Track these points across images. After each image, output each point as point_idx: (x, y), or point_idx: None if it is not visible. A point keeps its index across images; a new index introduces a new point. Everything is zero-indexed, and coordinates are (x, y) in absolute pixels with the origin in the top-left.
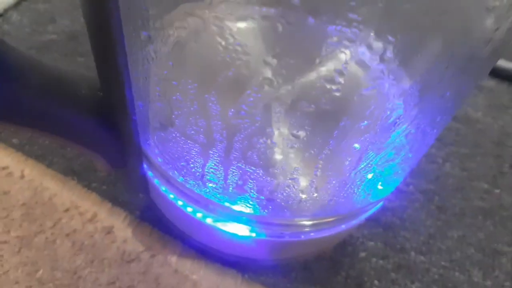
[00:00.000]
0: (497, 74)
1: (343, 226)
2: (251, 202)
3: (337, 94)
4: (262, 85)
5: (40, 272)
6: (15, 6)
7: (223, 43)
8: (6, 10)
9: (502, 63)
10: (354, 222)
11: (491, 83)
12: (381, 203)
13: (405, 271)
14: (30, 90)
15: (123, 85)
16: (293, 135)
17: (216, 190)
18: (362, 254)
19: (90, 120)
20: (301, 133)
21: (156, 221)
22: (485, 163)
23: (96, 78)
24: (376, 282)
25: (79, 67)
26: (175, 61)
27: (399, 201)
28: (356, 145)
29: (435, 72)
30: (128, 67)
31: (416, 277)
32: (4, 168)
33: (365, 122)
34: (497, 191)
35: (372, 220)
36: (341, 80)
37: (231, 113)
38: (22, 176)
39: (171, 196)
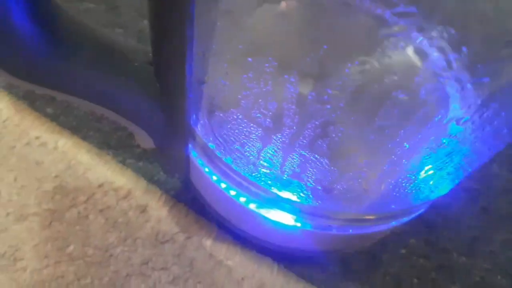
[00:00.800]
0: None
1: (394, 223)
2: (305, 191)
3: (443, 82)
4: (354, 70)
5: (71, 247)
6: None
7: (315, 19)
8: None
9: None
10: (406, 219)
11: None
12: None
13: (446, 271)
14: (83, 58)
15: (183, 60)
16: (378, 127)
17: (269, 176)
18: (403, 251)
19: (140, 94)
20: (387, 125)
21: (192, 202)
22: None
23: (148, 50)
24: (415, 280)
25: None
26: (255, 37)
27: (442, 198)
28: (445, 140)
29: None
30: (193, 40)
31: (457, 278)
32: (37, 138)
33: (467, 117)
34: None
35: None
36: (454, 65)
37: (311, 97)
38: (56, 147)
39: (214, 178)
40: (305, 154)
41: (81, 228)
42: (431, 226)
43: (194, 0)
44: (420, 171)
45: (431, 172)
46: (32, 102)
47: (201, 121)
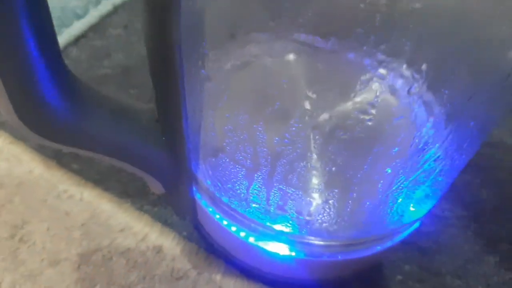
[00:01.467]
0: None
1: (379, 247)
2: (290, 222)
3: (370, 123)
4: (303, 116)
5: (98, 287)
6: (74, 42)
7: (271, 80)
8: (66, 47)
9: None
10: (389, 243)
11: None
12: (415, 225)
13: None
14: (100, 121)
15: (180, 117)
16: (331, 160)
17: (259, 210)
18: (399, 277)
19: (148, 146)
20: (338, 159)
21: (202, 241)
22: None
23: (153, 109)
24: None
25: (132, 98)
26: (228, 96)
27: (435, 226)
28: (388, 169)
29: (459, 104)
30: (186, 101)
31: None
32: (65, 191)
33: (396, 148)
34: None
35: (408, 244)
36: (373, 111)
37: (275, 141)
38: (82, 198)
39: (217, 216)
40: (283, 188)
41: (105, 269)
42: (424, 252)
43: (184, 75)
44: (381, 197)
45: (391, 197)
46: (59, 159)
47: (200, 166)
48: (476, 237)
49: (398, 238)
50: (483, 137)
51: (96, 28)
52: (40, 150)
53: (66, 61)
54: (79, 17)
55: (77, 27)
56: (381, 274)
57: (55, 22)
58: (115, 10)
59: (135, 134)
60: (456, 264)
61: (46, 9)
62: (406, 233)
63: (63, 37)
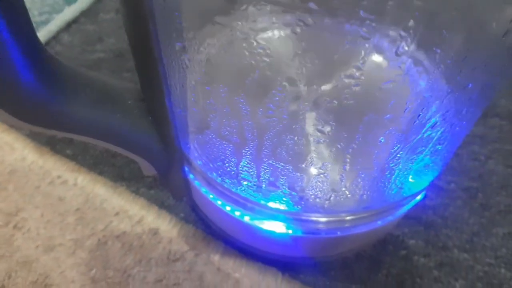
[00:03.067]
0: None
1: (379, 222)
2: (284, 198)
3: (357, 88)
4: (285, 84)
5: (93, 271)
6: (66, 28)
7: (248, 48)
8: (58, 32)
9: None
10: (390, 218)
11: None
12: (417, 199)
13: (448, 268)
14: (82, 102)
15: (162, 94)
16: (319, 131)
17: (251, 188)
18: (403, 252)
19: (135, 127)
20: (326, 128)
21: (199, 222)
22: None
23: (139, 89)
24: (418, 279)
25: (126, 81)
26: (206, 68)
27: (440, 199)
28: (381, 139)
29: (454, 64)
30: (166, 76)
31: (459, 274)
32: (59, 177)
33: (388, 115)
34: None
35: (412, 219)
36: (359, 75)
37: (260, 113)
38: (76, 184)
39: (211, 196)
40: (272, 162)
41: (101, 254)
42: (430, 226)
43: (161, 48)
44: (377, 168)
45: (387, 168)
46: (53, 146)
47: (189, 145)
48: (483, 210)
49: (400, 212)
50: (485, 102)
51: (88, 13)
52: (33, 137)
53: (58, 47)
54: (70, 2)
55: (69, 12)
56: (384, 250)
57: (46, 8)
58: None
59: (120, 114)
60: (463, 238)
61: None
62: (408, 206)
63: (55, 23)
